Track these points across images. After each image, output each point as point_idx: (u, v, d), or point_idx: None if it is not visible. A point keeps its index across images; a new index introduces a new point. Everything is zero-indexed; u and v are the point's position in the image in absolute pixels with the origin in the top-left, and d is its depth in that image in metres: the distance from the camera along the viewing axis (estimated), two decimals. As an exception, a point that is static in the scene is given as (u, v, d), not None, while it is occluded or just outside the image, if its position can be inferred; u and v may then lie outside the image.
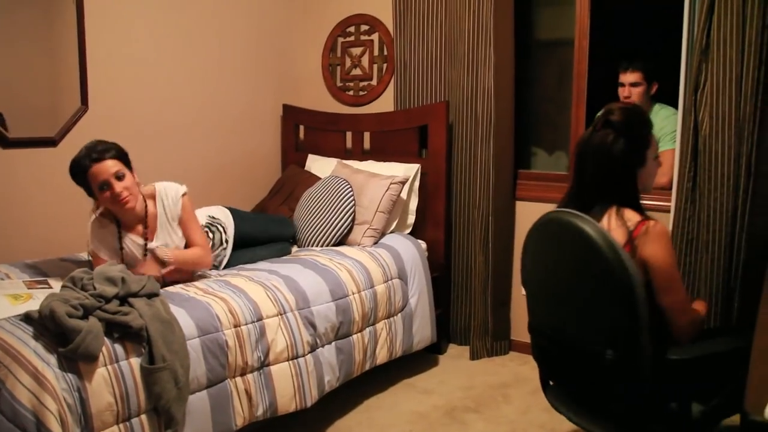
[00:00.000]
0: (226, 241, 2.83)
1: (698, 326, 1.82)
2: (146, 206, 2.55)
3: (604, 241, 1.62)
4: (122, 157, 2.45)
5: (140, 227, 2.55)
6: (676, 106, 2.91)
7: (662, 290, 1.75)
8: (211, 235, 2.78)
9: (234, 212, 2.99)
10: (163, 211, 2.54)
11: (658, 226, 1.77)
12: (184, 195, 2.58)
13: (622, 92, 3.36)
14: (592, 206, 1.86)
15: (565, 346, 1.87)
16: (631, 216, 1.81)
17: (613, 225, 1.81)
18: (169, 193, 2.57)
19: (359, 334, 2.83)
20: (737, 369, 1.72)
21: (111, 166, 2.39)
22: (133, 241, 2.52)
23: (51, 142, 2.94)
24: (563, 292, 1.83)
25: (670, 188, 2.89)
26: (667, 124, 3.26)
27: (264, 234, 3.05)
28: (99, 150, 2.40)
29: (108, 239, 2.51)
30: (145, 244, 2.52)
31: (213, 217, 2.86)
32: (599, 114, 1.91)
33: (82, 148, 2.41)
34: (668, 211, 2.89)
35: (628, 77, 3.32)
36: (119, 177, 2.40)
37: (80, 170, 2.39)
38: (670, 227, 2.83)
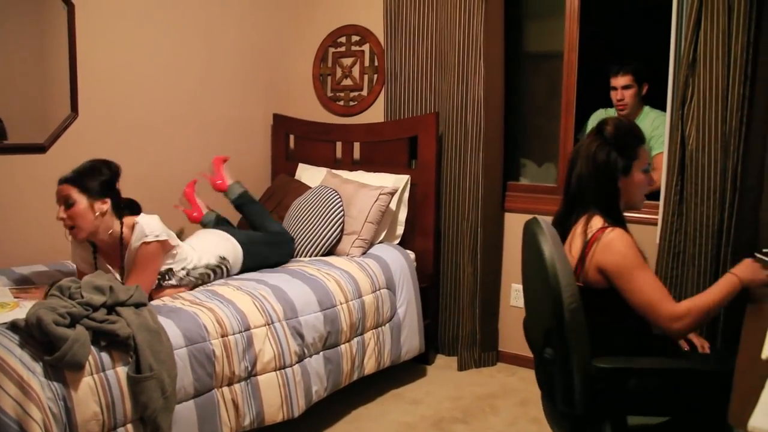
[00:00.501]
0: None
1: (691, 320, 1.76)
2: (122, 238, 2.38)
3: (551, 259, 1.69)
4: (82, 182, 2.29)
5: (119, 259, 2.43)
6: (664, 110, 2.94)
7: (623, 292, 1.79)
8: (212, 275, 2.69)
9: (245, 247, 2.82)
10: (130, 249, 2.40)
11: (612, 233, 1.80)
12: (146, 243, 2.35)
13: (615, 95, 3.40)
14: (573, 211, 1.92)
15: (531, 342, 2.01)
16: (596, 223, 1.84)
17: (578, 232, 1.87)
18: (138, 232, 2.37)
19: (347, 344, 2.82)
20: (679, 390, 1.75)
21: (62, 191, 2.29)
22: (110, 270, 2.45)
23: (40, 149, 2.93)
24: (530, 291, 1.93)
25: (659, 194, 2.90)
26: (657, 126, 3.30)
27: (267, 263, 2.96)
28: (72, 171, 2.32)
29: (84, 255, 2.50)
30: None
31: (224, 258, 2.72)
32: (594, 125, 1.97)
33: None
34: (655, 224, 2.92)
35: (620, 81, 3.36)
36: (68, 204, 2.28)
37: None
38: (657, 240, 2.86)
